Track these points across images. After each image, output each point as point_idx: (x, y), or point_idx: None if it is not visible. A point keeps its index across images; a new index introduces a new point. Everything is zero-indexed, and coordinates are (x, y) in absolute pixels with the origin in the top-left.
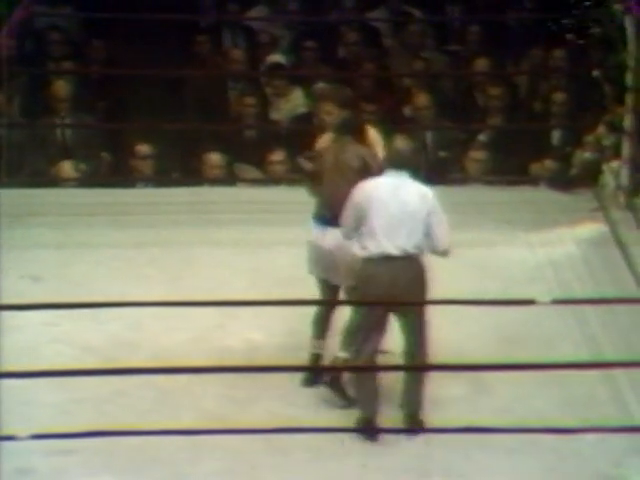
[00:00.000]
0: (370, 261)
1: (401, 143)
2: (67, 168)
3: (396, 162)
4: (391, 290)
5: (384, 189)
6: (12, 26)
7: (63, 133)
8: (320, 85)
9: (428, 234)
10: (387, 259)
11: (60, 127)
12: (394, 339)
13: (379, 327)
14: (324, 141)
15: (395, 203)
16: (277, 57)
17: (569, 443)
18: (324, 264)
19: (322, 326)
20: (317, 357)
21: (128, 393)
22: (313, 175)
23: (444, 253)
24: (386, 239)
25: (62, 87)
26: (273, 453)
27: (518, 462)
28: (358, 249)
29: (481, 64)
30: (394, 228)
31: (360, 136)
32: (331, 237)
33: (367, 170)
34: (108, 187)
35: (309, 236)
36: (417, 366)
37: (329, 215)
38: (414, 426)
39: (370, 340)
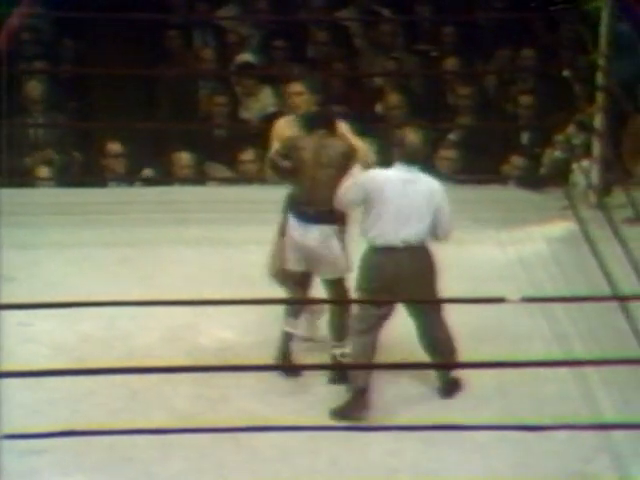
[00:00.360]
0: (374, 251)
1: (413, 136)
2: (41, 160)
3: (408, 156)
4: (395, 281)
5: (395, 183)
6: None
7: (35, 133)
8: (290, 84)
9: (434, 226)
10: (391, 250)
11: (32, 127)
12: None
13: (383, 319)
14: (282, 126)
15: (404, 198)
16: (247, 56)
17: (540, 440)
18: (308, 260)
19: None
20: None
21: (100, 392)
22: (290, 171)
23: (445, 240)
24: (392, 231)
25: (35, 87)
26: (243, 452)
27: (488, 459)
28: (361, 232)
29: (451, 63)
30: (401, 222)
31: (333, 129)
32: (314, 234)
33: (349, 165)
34: (80, 186)
35: (290, 232)
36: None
37: (311, 212)
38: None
39: (373, 331)
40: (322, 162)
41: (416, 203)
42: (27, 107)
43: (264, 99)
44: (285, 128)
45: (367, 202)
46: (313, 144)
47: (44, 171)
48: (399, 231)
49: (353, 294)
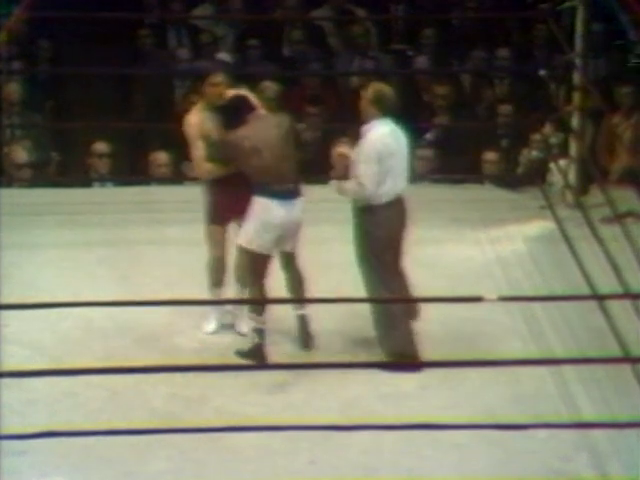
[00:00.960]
0: (383, 207)
1: (386, 89)
2: (19, 153)
3: (387, 109)
4: (402, 230)
5: (391, 137)
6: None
7: (13, 133)
8: (266, 83)
9: None
10: (398, 201)
11: (8, 127)
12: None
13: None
14: (199, 122)
15: (399, 150)
16: (222, 55)
17: (519, 439)
18: (287, 236)
19: None
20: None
21: (79, 393)
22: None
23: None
24: (398, 183)
25: (13, 90)
26: (222, 452)
27: (467, 458)
28: (368, 192)
29: (426, 63)
30: (400, 173)
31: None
32: (298, 208)
33: (297, 135)
34: (57, 187)
35: (267, 215)
36: None
37: (290, 187)
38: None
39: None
40: (278, 139)
41: (404, 153)
42: (5, 109)
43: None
44: (202, 123)
45: (383, 167)
46: (260, 127)
47: (24, 157)
48: (401, 182)
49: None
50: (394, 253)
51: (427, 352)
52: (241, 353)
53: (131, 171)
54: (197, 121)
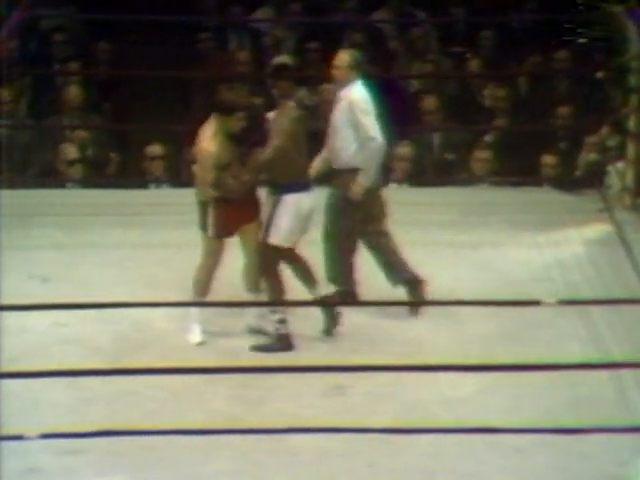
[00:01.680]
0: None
1: (357, 53)
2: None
3: (361, 72)
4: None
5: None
6: (11, 27)
7: (70, 133)
8: (325, 86)
9: None
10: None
11: (68, 128)
12: None
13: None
14: (212, 147)
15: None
16: (283, 58)
17: (576, 443)
18: (309, 225)
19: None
20: None
21: (137, 393)
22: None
23: None
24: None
25: (75, 91)
26: (281, 453)
27: (525, 462)
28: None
29: (486, 66)
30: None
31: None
32: (316, 195)
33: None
34: (116, 188)
35: (296, 207)
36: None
37: (309, 178)
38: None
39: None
40: (302, 134)
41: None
42: (65, 109)
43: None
44: (220, 154)
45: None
46: (284, 124)
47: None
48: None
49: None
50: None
51: (486, 355)
52: (265, 347)
53: (188, 173)
54: (214, 151)
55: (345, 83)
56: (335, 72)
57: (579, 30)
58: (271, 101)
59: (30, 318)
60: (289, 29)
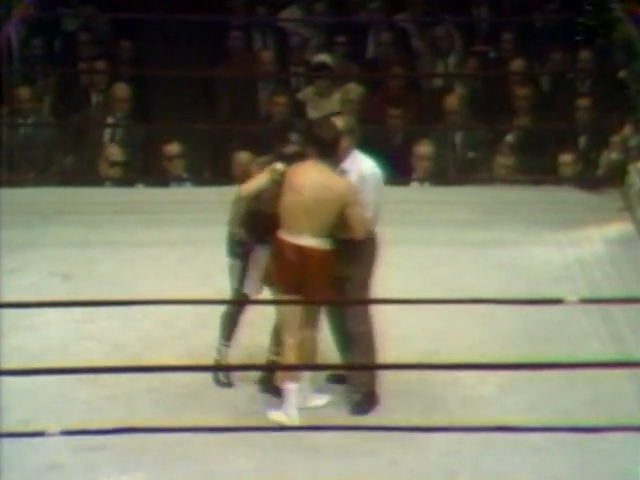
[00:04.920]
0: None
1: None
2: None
3: (355, 137)
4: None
5: None
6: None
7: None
8: (349, 85)
9: None
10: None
11: (93, 127)
12: None
13: None
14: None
15: None
16: (323, 57)
17: (596, 442)
18: None
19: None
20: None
21: (159, 390)
22: None
23: None
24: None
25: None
26: (303, 451)
27: (545, 460)
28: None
29: (511, 65)
30: None
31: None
32: None
33: None
34: (138, 186)
35: None
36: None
37: None
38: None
39: None
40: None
41: None
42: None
43: (335, 100)
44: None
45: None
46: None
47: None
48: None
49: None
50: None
51: (507, 354)
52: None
53: (213, 172)
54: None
55: (345, 153)
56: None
57: (601, 30)
58: (295, 101)
59: (52, 315)
60: (314, 29)
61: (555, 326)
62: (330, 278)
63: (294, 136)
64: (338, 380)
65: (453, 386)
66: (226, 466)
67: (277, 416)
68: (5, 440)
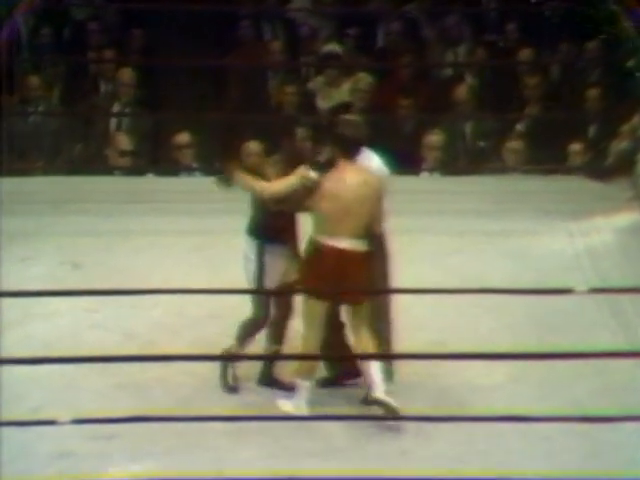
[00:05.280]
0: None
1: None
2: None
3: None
4: None
5: None
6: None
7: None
8: (360, 75)
9: None
10: None
11: (101, 116)
12: None
13: None
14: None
15: None
16: (332, 46)
17: (606, 431)
18: None
19: None
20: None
21: (170, 379)
22: None
23: None
24: None
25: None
26: (313, 439)
27: (556, 450)
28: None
29: (520, 54)
30: None
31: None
32: None
33: None
34: (149, 175)
35: None
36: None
37: None
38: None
39: None
40: None
41: None
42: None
43: (345, 90)
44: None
45: None
46: None
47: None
48: None
49: None
50: None
51: (517, 343)
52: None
53: (223, 161)
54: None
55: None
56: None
57: (609, 21)
58: (306, 93)
59: (62, 304)
60: (323, 19)
61: (565, 316)
62: (369, 279)
63: (301, 131)
64: (328, 384)
65: (463, 376)
66: (236, 455)
67: (286, 406)
68: (16, 428)
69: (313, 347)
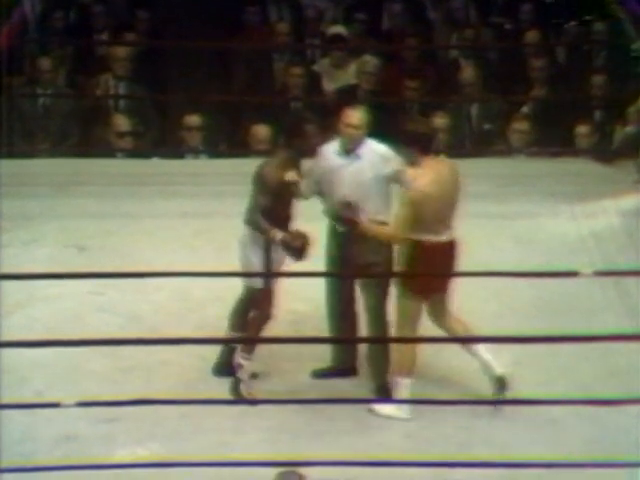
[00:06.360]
0: None
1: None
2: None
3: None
4: None
5: None
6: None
7: (116, 104)
8: (366, 57)
9: None
10: None
11: (107, 97)
12: None
13: None
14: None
15: None
16: (338, 28)
17: (611, 415)
18: None
19: None
20: None
21: (174, 362)
22: None
23: None
24: None
25: (121, 55)
26: (318, 423)
27: (560, 433)
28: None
29: (526, 36)
30: None
31: None
32: None
33: None
34: (154, 157)
35: None
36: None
37: None
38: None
39: None
40: None
41: None
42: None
43: (351, 72)
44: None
45: None
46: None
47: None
48: None
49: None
50: None
51: (521, 327)
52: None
53: (229, 144)
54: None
55: (360, 140)
56: (351, 131)
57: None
58: (312, 75)
59: (67, 287)
60: (330, 1)
61: (570, 299)
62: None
63: (310, 128)
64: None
65: (466, 358)
66: (240, 438)
67: (388, 411)
68: (21, 411)
69: (411, 346)
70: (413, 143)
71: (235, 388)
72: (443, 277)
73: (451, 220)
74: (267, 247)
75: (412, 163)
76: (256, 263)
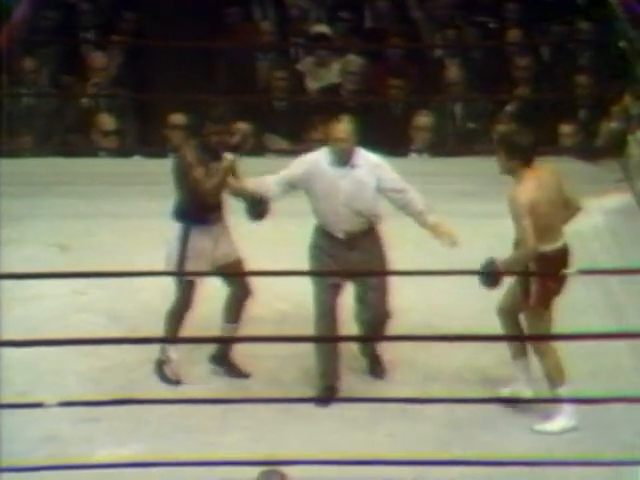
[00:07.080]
0: None
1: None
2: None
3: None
4: None
5: None
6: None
7: (97, 103)
8: (350, 57)
9: None
10: None
11: (90, 97)
12: None
13: None
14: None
15: None
16: (322, 27)
17: (595, 413)
18: None
19: None
20: None
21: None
22: None
23: None
24: None
25: (98, 59)
26: (301, 422)
27: (543, 432)
28: None
29: (510, 35)
30: None
31: None
32: None
33: None
34: (136, 156)
35: None
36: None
37: None
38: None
39: None
40: None
41: None
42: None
43: (335, 71)
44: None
45: None
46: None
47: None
48: None
49: None
50: None
51: None
52: None
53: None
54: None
55: (352, 151)
56: (340, 144)
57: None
58: (295, 74)
59: (49, 287)
60: (314, 1)
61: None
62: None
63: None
64: None
65: (451, 358)
66: (223, 437)
67: (555, 426)
68: (3, 412)
69: (558, 357)
70: (515, 155)
71: (160, 370)
72: (562, 283)
73: (562, 226)
74: (185, 236)
75: (511, 174)
76: (173, 247)
